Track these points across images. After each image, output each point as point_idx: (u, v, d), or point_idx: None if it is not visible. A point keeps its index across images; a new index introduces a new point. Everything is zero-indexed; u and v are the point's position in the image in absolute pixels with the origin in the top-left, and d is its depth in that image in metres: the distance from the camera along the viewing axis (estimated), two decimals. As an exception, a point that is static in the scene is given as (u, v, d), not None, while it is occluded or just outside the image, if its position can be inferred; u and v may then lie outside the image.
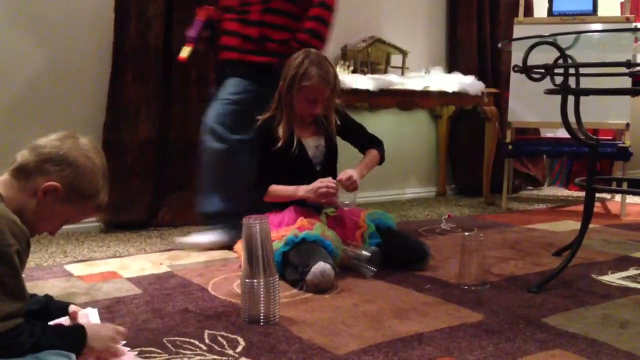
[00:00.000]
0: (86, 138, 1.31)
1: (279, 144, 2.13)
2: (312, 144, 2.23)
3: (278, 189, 2.17)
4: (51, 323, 1.32)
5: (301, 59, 2.10)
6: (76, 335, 1.23)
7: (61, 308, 1.40)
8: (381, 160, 2.32)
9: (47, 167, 1.23)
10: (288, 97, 2.13)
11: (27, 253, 1.18)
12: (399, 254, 2.11)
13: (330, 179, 2.11)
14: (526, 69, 1.89)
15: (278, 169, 2.17)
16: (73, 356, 1.16)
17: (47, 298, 1.41)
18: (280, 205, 2.19)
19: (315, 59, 2.10)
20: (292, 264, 1.90)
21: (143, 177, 2.93)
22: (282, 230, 2.01)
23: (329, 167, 2.25)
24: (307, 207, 2.15)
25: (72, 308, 1.40)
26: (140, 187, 2.91)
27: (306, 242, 1.94)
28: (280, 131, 2.14)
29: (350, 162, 2.38)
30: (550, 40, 1.90)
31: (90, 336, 1.24)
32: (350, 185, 2.11)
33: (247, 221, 1.58)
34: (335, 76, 2.15)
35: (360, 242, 2.11)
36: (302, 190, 2.12)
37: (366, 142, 2.33)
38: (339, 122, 2.24)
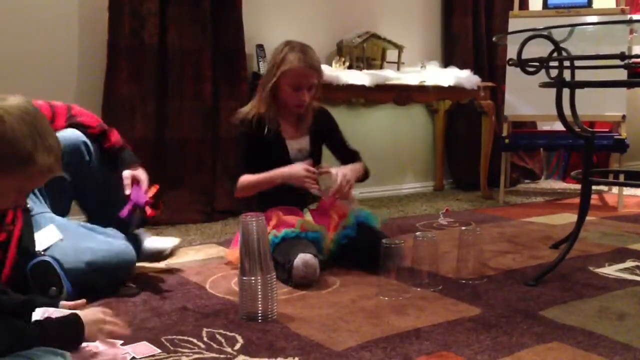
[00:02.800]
0: (15, 97, 1.20)
1: (264, 137, 2.05)
2: (295, 147, 2.16)
3: (249, 179, 2.04)
4: (38, 311, 1.27)
5: (281, 46, 2.03)
6: (69, 325, 1.19)
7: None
8: (365, 177, 2.21)
9: None
10: (272, 88, 2.04)
11: None
12: (359, 247, 2.02)
13: (309, 164, 2.02)
14: (521, 63, 1.89)
15: (255, 168, 2.08)
16: (68, 355, 1.15)
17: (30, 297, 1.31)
18: (264, 206, 2.08)
19: (296, 45, 2.02)
20: (279, 263, 1.87)
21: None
22: None
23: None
24: (291, 206, 2.09)
25: None
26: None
27: (286, 239, 1.93)
28: (266, 127, 2.06)
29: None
30: (544, 33, 1.90)
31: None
32: (347, 189, 2.01)
33: (244, 218, 1.58)
34: (319, 63, 2.06)
35: (334, 230, 2.04)
36: (280, 178, 2.01)
37: (349, 155, 2.23)
38: (325, 125, 2.19)
